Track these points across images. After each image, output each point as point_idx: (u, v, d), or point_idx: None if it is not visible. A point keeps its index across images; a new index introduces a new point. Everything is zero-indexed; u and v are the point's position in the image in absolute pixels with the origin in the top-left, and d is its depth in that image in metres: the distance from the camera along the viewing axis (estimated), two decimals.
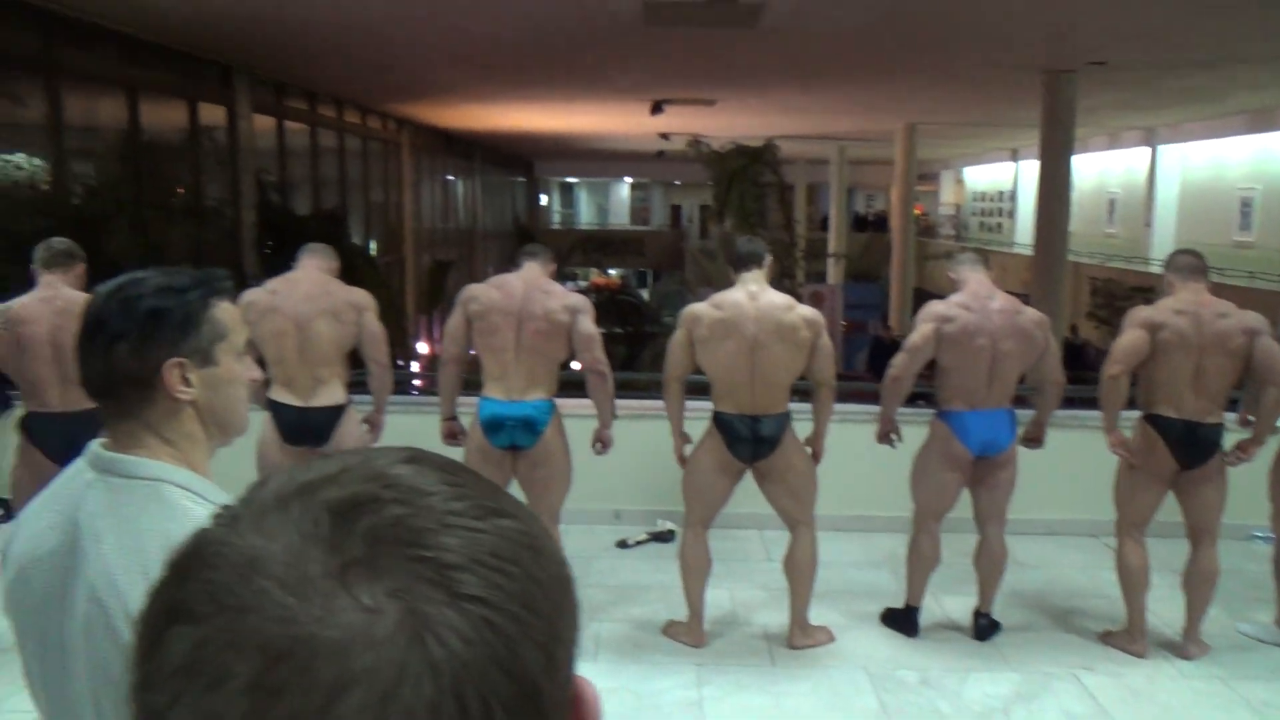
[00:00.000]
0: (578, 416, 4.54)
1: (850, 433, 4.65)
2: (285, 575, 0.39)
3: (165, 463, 1.18)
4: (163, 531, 1.10)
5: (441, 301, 15.67)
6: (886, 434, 4.04)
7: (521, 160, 28.50)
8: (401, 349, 12.30)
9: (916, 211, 21.46)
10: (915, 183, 17.54)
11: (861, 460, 4.67)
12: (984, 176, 27.04)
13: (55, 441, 3.50)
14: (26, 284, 6.88)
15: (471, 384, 4.03)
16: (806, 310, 3.74)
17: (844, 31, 8.06)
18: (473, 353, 3.85)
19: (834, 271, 18.92)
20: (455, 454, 3.84)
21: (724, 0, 6.96)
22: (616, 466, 4.90)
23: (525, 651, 0.40)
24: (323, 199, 13.32)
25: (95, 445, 1.21)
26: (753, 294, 3.69)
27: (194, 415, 1.22)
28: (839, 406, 4.98)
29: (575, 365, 4.04)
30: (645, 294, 24.45)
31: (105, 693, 1.09)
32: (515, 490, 3.87)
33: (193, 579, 0.41)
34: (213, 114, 10.34)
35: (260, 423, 3.79)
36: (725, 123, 15.42)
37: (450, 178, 20.92)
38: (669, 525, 5.12)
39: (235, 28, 8.40)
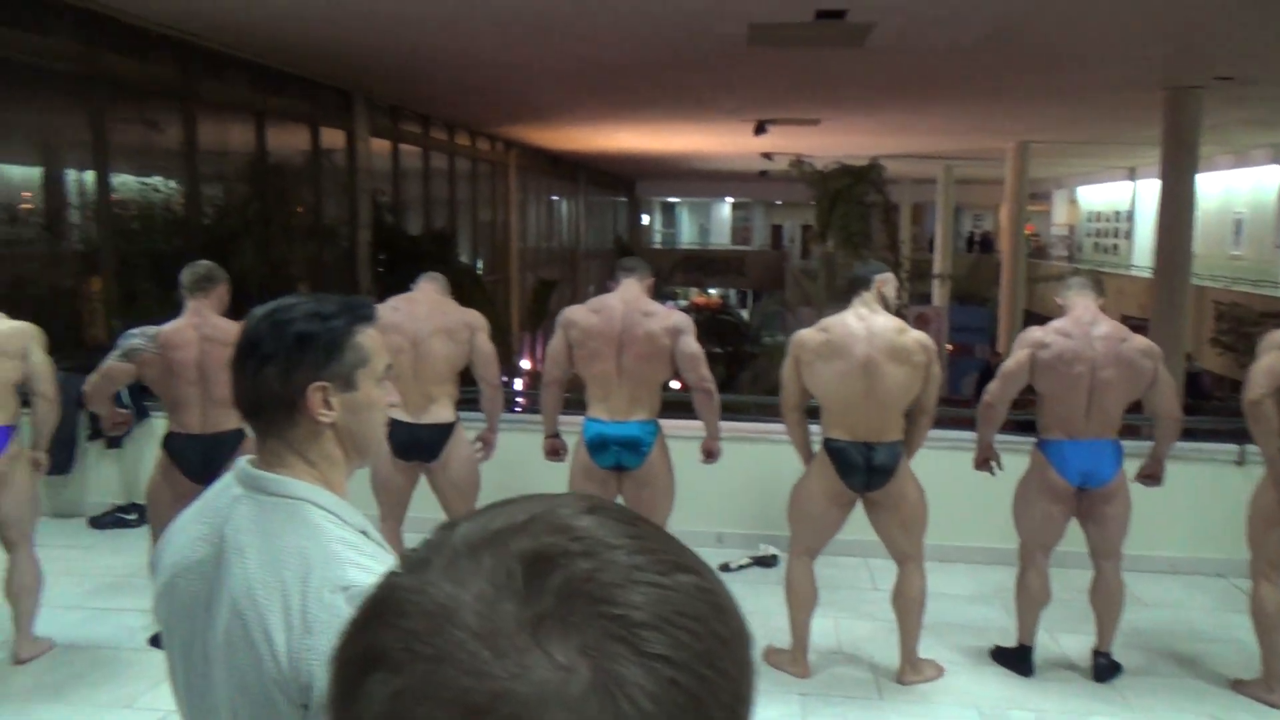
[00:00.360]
0: (681, 437, 4.56)
1: (957, 460, 4.52)
2: (479, 627, 0.40)
3: (307, 483, 1.22)
4: (300, 550, 1.14)
5: (545, 319, 15.91)
6: (985, 461, 3.92)
7: (624, 180, 28.79)
8: (506, 367, 12.50)
9: (1027, 232, 20.86)
10: (1026, 202, 17.05)
11: (969, 489, 4.54)
12: (1099, 196, 26.10)
13: (193, 461, 3.67)
14: (162, 298, 7.27)
15: (575, 403, 4.08)
16: (919, 334, 3.68)
17: (955, 49, 7.92)
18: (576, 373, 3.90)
19: (939, 293, 18.52)
20: (559, 470, 3.90)
21: (832, 20, 6.92)
22: (719, 488, 4.89)
23: (712, 713, 0.40)
24: (433, 219, 13.70)
25: (244, 462, 1.26)
26: (862, 316, 3.64)
27: (334, 437, 1.26)
28: (945, 433, 4.88)
29: (674, 384, 4.05)
30: (745, 314, 24.34)
31: (242, 703, 1.14)
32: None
33: (387, 625, 0.42)
34: (333, 138, 10.76)
35: None
36: (829, 142, 15.29)
37: (554, 198, 21.26)
38: (771, 550, 5.07)
39: (355, 55, 8.73)
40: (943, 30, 7.27)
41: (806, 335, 3.70)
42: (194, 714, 1.24)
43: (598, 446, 3.76)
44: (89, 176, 7.56)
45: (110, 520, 5.26)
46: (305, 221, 10.06)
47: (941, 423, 4.44)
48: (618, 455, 3.75)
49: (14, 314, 3.65)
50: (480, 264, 15.68)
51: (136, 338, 3.67)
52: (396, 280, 10.50)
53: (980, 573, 4.96)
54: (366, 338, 1.27)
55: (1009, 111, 12.16)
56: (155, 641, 3.86)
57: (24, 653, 3.67)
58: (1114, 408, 3.68)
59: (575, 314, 3.84)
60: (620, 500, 3.82)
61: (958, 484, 4.58)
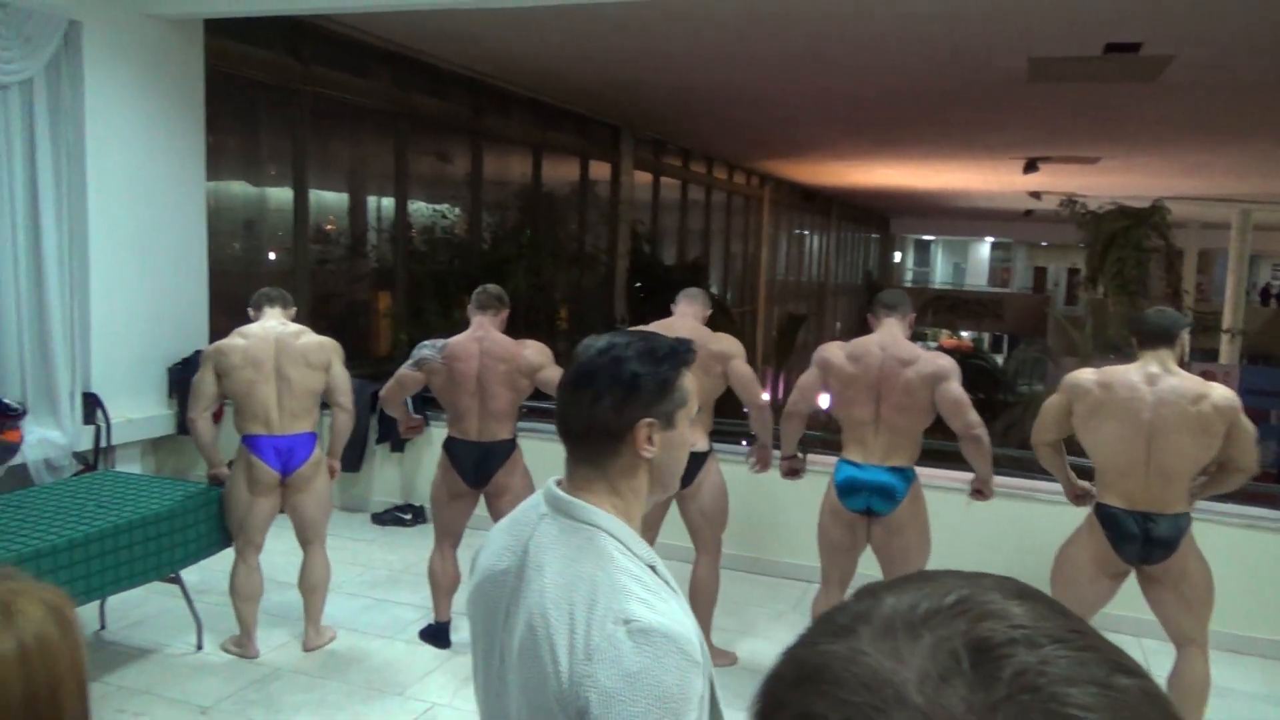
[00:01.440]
0: (938, 488, 4.37)
1: (1253, 541, 4.05)
2: (926, 707, 0.39)
3: (608, 513, 1.28)
4: (591, 577, 1.20)
5: (791, 355, 15.81)
6: None
7: (877, 216, 28.20)
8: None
9: None
10: None
11: (1270, 574, 4.04)
12: None
13: (467, 465, 3.94)
14: (443, 314, 7.88)
15: (830, 444, 4.00)
16: (1219, 395, 3.25)
17: (1264, 83, 7.17)
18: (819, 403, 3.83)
19: (1227, 349, 16.74)
20: (798, 499, 3.82)
21: (1124, 53, 6.45)
22: (975, 542, 4.64)
23: None
24: (687, 249, 14.01)
25: (552, 483, 1.34)
26: (1152, 376, 3.28)
27: (646, 472, 1.32)
28: (1239, 509, 4.36)
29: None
30: (999, 360, 23.08)
31: (529, 712, 1.21)
32: (867, 556, 3.78)
33: (823, 693, 0.42)
34: (600, 170, 11.27)
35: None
36: (1107, 182, 14.26)
37: (805, 232, 21.15)
38: None
39: (624, 92, 9.11)
40: (1252, 63, 6.60)
41: (1087, 382, 3.38)
42: (489, 712, 1.33)
43: (848, 490, 3.66)
44: (388, 203, 8.33)
45: (389, 518, 5.72)
46: (570, 248, 10.57)
47: (1233, 496, 3.96)
48: (868, 500, 3.65)
49: (319, 325, 4.07)
50: (729, 295, 15.84)
51: (427, 348, 3.99)
52: (650, 308, 10.82)
53: (1277, 670, 4.39)
54: (687, 380, 1.34)
55: None
56: (426, 635, 4.14)
57: (311, 642, 4.03)
58: None
59: (833, 356, 3.74)
60: (870, 547, 3.71)
61: (1255, 567, 4.09)
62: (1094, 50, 6.39)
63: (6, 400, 4.78)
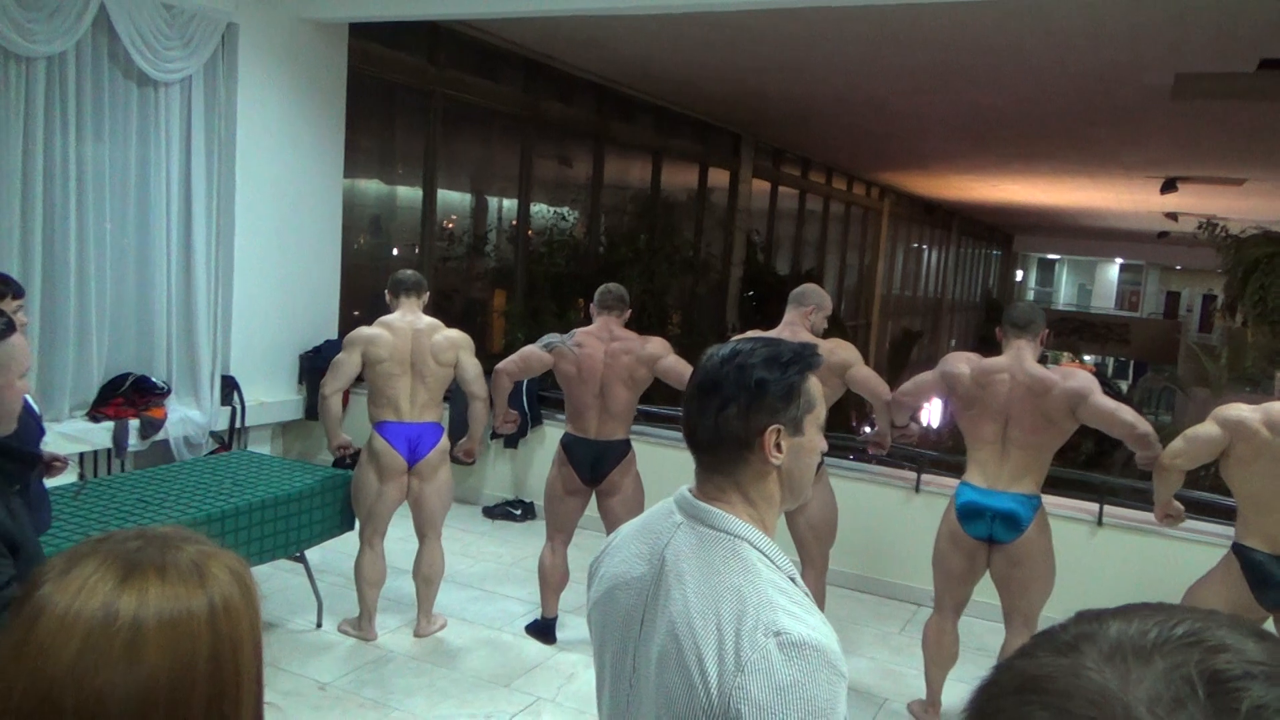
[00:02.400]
0: (1061, 517, 4.23)
1: None
2: None
3: (745, 521, 1.28)
4: (735, 587, 1.20)
5: (904, 371, 15.50)
6: None
7: (999, 232, 27.40)
8: (856, 414, 12.32)
9: None
10: None
11: None
12: None
13: (585, 462, 4.01)
14: (559, 314, 8.00)
15: (950, 465, 3.92)
16: None
17: None
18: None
19: None
20: (911, 508, 3.74)
21: None
22: (1099, 575, 4.47)
23: None
24: (801, 260, 13.89)
25: (685, 492, 1.34)
26: None
27: (777, 479, 1.31)
28: None
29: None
30: (1124, 387, 22.11)
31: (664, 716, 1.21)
32: (985, 584, 3.69)
33: (1048, 705, 0.43)
34: (718, 177, 11.28)
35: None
36: (1252, 205, 13.53)
37: (923, 246, 20.71)
38: None
39: (746, 100, 9.10)
40: None
41: (1251, 421, 3.14)
42: (618, 718, 1.33)
43: (970, 514, 3.57)
44: (510, 204, 8.53)
45: (500, 512, 5.85)
46: (685, 254, 10.61)
47: None
48: (990, 526, 3.55)
49: (440, 320, 4.15)
50: (843, 308, 15.62)
51: (556, 338, 4.07)
52: (762, 317, 10.77)
53: None
54: (814, 385, 1.33)
55: None
56: (532, 629, 4.22)
57: (423, 630, 4.15)
58: None
59: (959, 371, 3.64)
60: (989, 575, 3.62)
61: None
62: (1248, 65, 6.08)
63: (154, 379, 5.09)
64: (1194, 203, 13.62)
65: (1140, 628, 0.45)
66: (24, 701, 0.79)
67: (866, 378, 3.88)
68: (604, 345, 3.99)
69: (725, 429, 1.28)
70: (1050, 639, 0.46)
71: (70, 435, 4.64)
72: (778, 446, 1.28)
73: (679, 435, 5.16)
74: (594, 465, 4.00)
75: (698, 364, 1.34)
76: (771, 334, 3.92)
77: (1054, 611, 3.85)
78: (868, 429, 4.09)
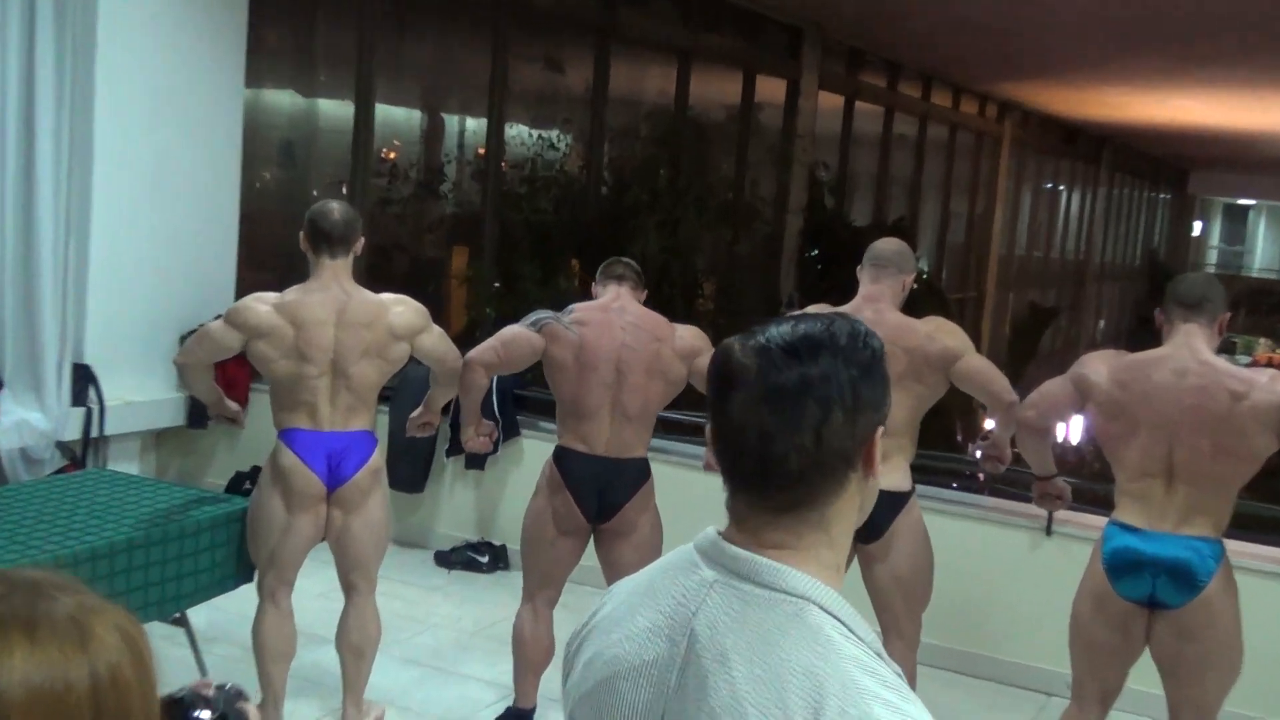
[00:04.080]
0: (1249, 570, 4.22)
1: None
2: None
3: (813, 576, 1.27)
4: (810, 670, 1.20)
5: (1030, 364, 15.49)
6: None
7: (1169, 167, 27.28)
8: (967, 423, 12.35)
9: None
10: None
11: None
12: None
13: (589, 489, 3.94)
14: (545, 283, 7.99)
15: (1098, 500, 3.92)
16: None
17: None
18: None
19: None
20: (1037, 557, 3.75)
21: None
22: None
23: None
24: (888, 207, 13.89)
25: (715, 535, 1.34)
26: None
27: (858, 506, 1.34)
28: None
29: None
30: None
31: None
32: (1143, 666, 3.69)
33: None
34: (770, 89, 11.26)
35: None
36: None
37: (1060, 187, 20.65)
38: None
39: None
40: None
41: None
42: None
43: (1123, 567, 3.55)
44: (476, 125, 8.54)
45: (460, 558, 5.88)
46: (722, 198, 10.59)
47: None
48: (1153, 584, 3.55)
49: (375, 286, 4.15)
50: (944, 275, 15.62)
51: (547, 314, 4.08)
52: (830, 285, 10.71)
53: None
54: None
55: None
56: None
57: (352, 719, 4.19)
58: None
59: (1096, 376, 3.60)
60: (1148, 653, 3.62)
61: None
62: None
63: None
64: None
65: None
66: None
67: (980, 371, 3.89)
68: (618, 319, 4.00)
69: (830, 447, 1.27)
70: None
71: None
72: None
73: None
74: (602, 494, 3.97)
75: (729, 364, 1.32)
76: (848, 309, 3.92)
77: (1241, 705, 3.85)
78: (955, 485, 4.09)
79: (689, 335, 4.05)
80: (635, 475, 4.01)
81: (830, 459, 1.27)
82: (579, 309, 4.06)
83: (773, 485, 1.29)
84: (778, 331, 1.32)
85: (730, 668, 1.23)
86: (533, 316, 4.08)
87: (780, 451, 1.27)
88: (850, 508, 1.32)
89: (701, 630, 1.27)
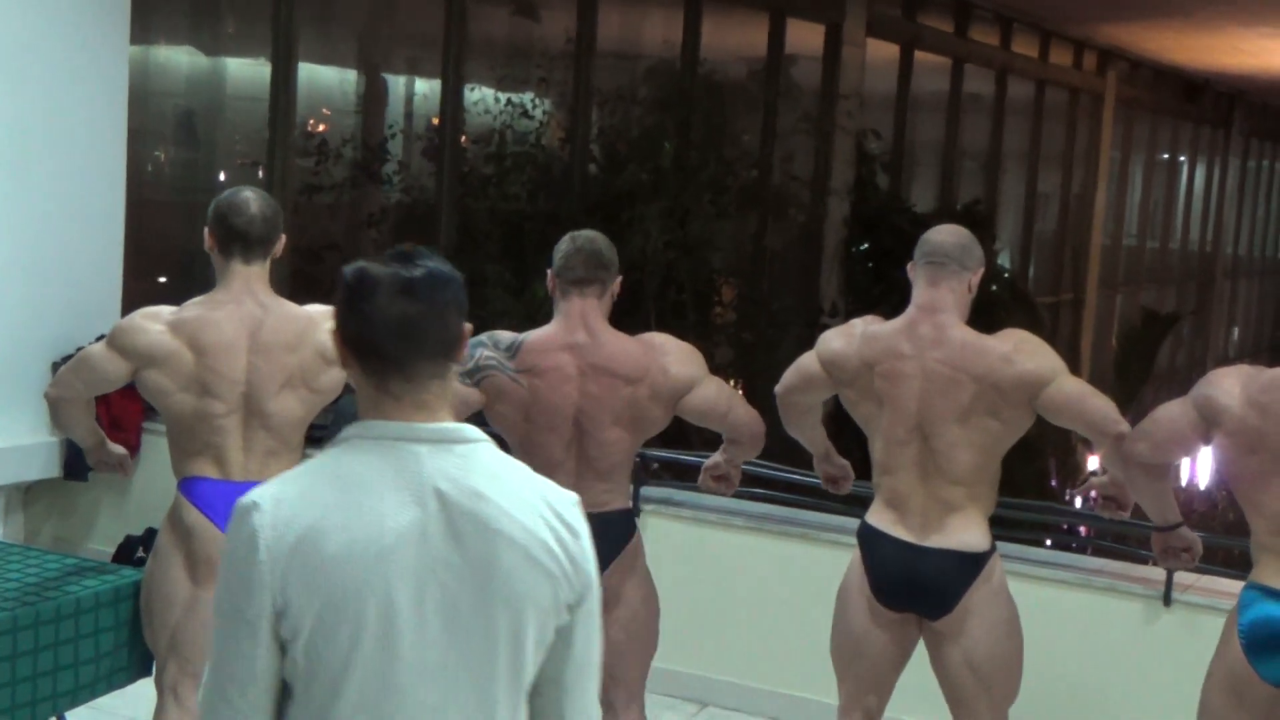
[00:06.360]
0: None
1: None
2: None
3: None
4: (521, 478, 2.18)
5: (1145, 385, 15.51)
6: None
7: None
8: (1068, 462, 12.40)
9: None
10: None
11: None
12: None
13: None
14: (518, 291, 8.01)
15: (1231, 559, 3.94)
16: None
17: None
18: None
19: None
20: (1152, 633, 3.78)
21: None
22: None
23: None
24: (958, 187, 13.91)
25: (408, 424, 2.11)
26: None
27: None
28: None
29: None
30: None
31: (529, 619, 2.05)
32: None
33: None
34: (803, 36, 11.28)
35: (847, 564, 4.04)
36: None
37: (1181, 158, 20.68)
38: None
39: None
40: None
41: None
42: (441, 669, 2.00)
43: (1269, 641, 3.59)
44: (428, 88, 8.58)
45: None
46: (744, 177, 10.59)
47: None
48: None
49: (298, 296, 4.16)
50: (1030, 272, 15.66)
51: (488, 350, 4.01)
52: (884, 288, 10.69)
53: None
54: None
55: None
56: None
57: None
58: None
59: (1226, 397, 3.63)
60: None
61: None
62: None
63: None
64: None
65: None
66: None
67: (1075, 399, 3.87)
68: (575, 358, 3.96)
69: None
70: None
71: None
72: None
73: (726, 504, 5.10)
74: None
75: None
76: (900, 323, 3.96)
77: None
78: (1076, 499, 4.11)
79: (676, 365, 3.95)
80: (617, 533, 3.98)
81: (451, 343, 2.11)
82: (530, 346, 3.96)
83: (416, 363, 2.10)
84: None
85: (485, 500, 2.04)
86: (472, 357, 3.94)
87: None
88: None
89: (444, 486, 2.02)
